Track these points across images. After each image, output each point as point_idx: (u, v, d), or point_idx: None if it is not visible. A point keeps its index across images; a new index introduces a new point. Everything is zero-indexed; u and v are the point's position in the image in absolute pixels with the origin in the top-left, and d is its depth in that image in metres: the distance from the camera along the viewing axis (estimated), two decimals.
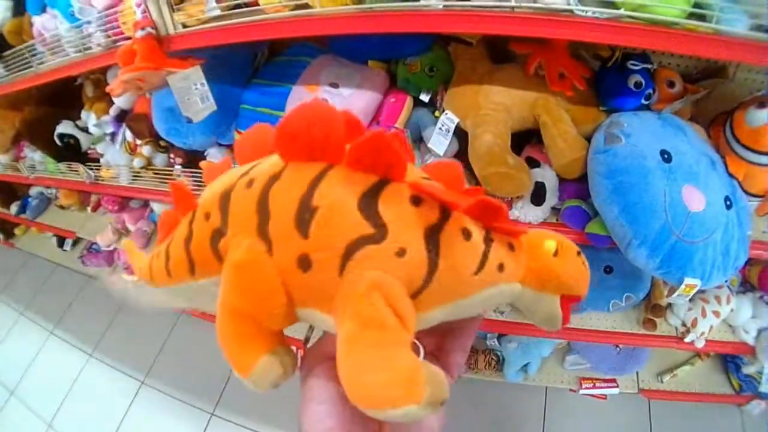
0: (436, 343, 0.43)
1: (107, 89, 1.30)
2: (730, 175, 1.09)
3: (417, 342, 0.35)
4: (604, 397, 1.90)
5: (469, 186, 0.44)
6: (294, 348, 0.42)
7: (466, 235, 0.36)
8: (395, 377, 0.30)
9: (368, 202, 0.34)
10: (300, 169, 0.37)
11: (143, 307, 2.19)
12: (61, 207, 2.83)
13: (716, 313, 1.45)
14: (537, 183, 1.16)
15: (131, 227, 2.42)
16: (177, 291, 0.47)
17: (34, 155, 2.34)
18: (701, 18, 0.76)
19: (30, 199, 3.02)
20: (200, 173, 1.55)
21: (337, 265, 0.34)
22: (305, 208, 0.35)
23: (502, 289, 0.38)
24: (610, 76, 1.12)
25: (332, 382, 0.37)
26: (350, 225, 0.34)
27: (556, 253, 0.40)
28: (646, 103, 1.12)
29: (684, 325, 1.51)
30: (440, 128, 1.21)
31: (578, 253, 0.41)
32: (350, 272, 0.34)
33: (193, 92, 1.20)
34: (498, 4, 0.81)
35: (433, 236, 0.35)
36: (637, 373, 1.91)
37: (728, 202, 1.04)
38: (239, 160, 0.45)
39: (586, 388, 1.88)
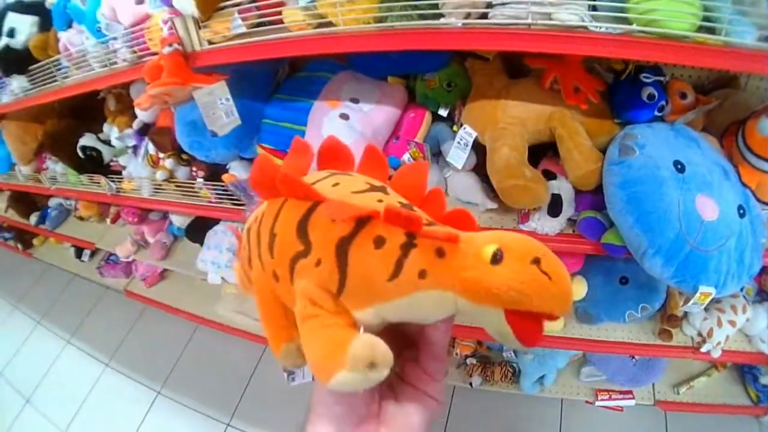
0: (414, 356, 0.46)
1: (134, 103, 1.34)
2: (744, 185, 1.11)
3: (357, 322, 0.40)
4: (621, 408, 1.89)
5: (431, 189, 0.47)
6: None
7: (378, 243, 0.38)
8: (324, 353, 0.37)
9: (302, 225, 0.42)
10: (271, 205, 0.47)
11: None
12: (81, 218, 2.87)
13: (732, 323, 1.44)
14: (553, 195, 1.18)
15: (150, 239, 2.45)
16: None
17: (56, 167, 2.38)
18: (711, 31, 0.78)
19: (49, 210, 3.06)
20: (222, 186, 1.59)
21: (288, 276, 0.43)
22: (272, 235, 0.45)
23: (429, 296, 0.38)
24: (623, 89, 1.14)
25: None
26: (291, 245, 0.42)
27: (497, 260, 0.35)
28: (659, 114, 1.13)
29: (700, 335, 1.51)
30: (458, 142, 1.24)
31: (534, 261, 0.35)
32: (294, 281, 0.43)
33: (218, 107, 1.23)
34: (515, 21, 0.84)
35: (342, 247, 0.39)
36: (653, 384, 1.90)
37: (741, 211, 1.06)
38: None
39: (602, 399, 1.88)
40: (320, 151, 0.52)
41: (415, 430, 0.42)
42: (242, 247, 0.53)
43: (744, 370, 1.87)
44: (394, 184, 0.47)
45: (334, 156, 0.52)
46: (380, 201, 0.42)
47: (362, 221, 0.39)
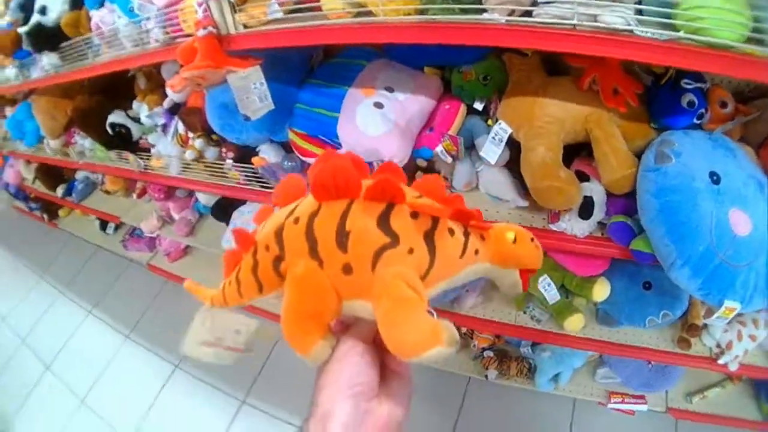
0: None
1: (167, 84, 1.35)
2: None
3: (431, 309, 0.47)
4: (632, 413, 1.88)
5: (449, 194, 0.61)
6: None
7: (451, 232, 0.51)
8: (424, 329, 0.44)
9: (383, 221, 0.49)
10: (332, 205, 0.51)
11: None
12: (107, 192, 2.92)
13: (753, 337, 1.42)
14: (585, 197, 1.17)
15: (176, 216, 2.48)
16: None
17: (84, 142, 2.41)
18: (759, 42, 0.76)
19: (76, 183, 3.13)
20: (251, 168, 1.60)
21: (369, 267, 0.48)
22: (342, 232, 0.49)
23: (478, 267, 0.55)
24: (663, 94, 1.12)
25: (363, 353, 0.51)
26: (374, 239, 0.48)
27: (514, 240, 0.55)
28: (698, 122, 1.11)
29: (719, 346, 1.49)
30: (493, 137, 1.23)
31: (531, 239, 0.57)
32: (380, 270, 0.48)
33: (252, 91, 1.23)
34: (560, 21, 0.83)
35: (429, 237, 0.50)
36: (666, 391, 1.89)
37: None
38: (277, 203, 0.59)
39: (615, 402, 1.87)
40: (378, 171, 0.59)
41: (407, 401, 0.52)
42: (259, 249, 0.56)
43: (759, 385, 1.85)
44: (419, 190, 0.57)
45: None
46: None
47: (435, 218, 0.51)
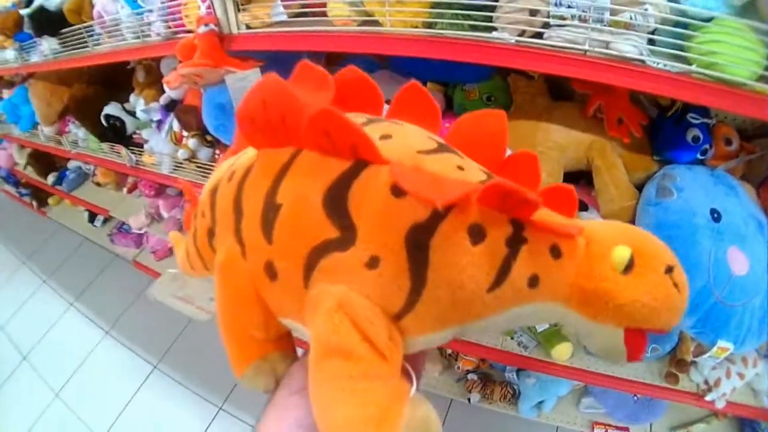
0: None
1: (164, 80, 1.32)
2: None
3: (410, 370, 0.29)
4: None
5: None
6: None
7: (475, 235, 0.26)
8: (363, 416, 0.26)
9: (336, 196, 0.28)
10: (269, 157, 0.32)
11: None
12: (98, 184, 2.90)
13: (741, 375, 1.41)
14: None
15: (165, 214, 2.45)
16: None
17: (78, 131, 2.39)
18: None
19: (68, 172, 3.10)
20: None
21: (300, 276, 0.29)
22: (270, 206, 0.30)
23: (536, 310, 0.29)
24: (668, 127, 1.11)
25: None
26: (313, 227, 0.28)
27: (629, 268, 0.28)
28: (701, 158, 1.10)
29: (706, 383, 1.47)
30: None
31: (668, 269, 0.29)
32: (314, 286, 0.29)
33: None
34: (570, 45, 0.81)
35: (419, 239, 0.26)
36: (651, 424, 1.87)
37: None
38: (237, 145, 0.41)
39: None
40: (337, 84, 0.36)
41: None
42: (198, 213, 0.40)
43: (744, 423, 1.83)
44: (454, 140, 0.34)
45: (357, 93, 0.36)
46: (460, 168, 0.29)
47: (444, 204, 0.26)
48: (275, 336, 0.36)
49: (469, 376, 2.04)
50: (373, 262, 0.27)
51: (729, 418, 1.88)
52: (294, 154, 0.30)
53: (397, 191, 0.27)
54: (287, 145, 0.31)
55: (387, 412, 0.26)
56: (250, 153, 0.35)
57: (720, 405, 1.44)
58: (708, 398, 1.44)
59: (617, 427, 1.85)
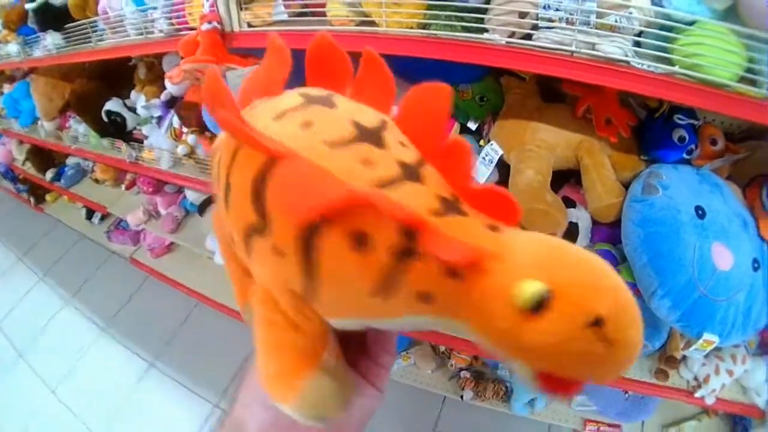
0: (361, 343, 0.38)
1: (166, 75, 1.34)
2: (762, 238, 1.10)
3: (329, 348, 0.31)
4: None
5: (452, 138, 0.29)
6: None
7: (357, 241, 0.25)
8: (275, 371, 0.30)
9: (258, 186, 0.27)
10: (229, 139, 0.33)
11: None
12: (96, 181, 2.90)
13: (730, 372, 1.43)
14: (571, 223, 1.18)
15: (163, 211, 2.47)
16: None
17: (78, 127, 2.41)
18: (752, 83, 0.77)
19: (66, 169, 3.10)
20: None
21: (244, 248, 0.31)
22: (227, 183, 0.31)
23: (438, 323, 0.27)
24: (655, 128, 1.14)
25: None
26: (244, 211, 0.29)
27: (539, 307, 0.23)
28: (687, 157, 1.13)
29: (696, 379, 1.49)
30: (483, 158, 1.24)
31: (595, 322, 0.22)
32: (251, 260, 0.31)
33: None
34: (558, 47, 0.84)
35: (306, 238, 0.26)
36: (642, 422, 1.89)
37: (756, 265, 1.05)
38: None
39: (591, 430, 1.87)
40: (308, 57, 0.37)
41: (355, 419, 0.35)
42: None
43: (735, 421, 1.85)
44: (404, 116, 0.33)
45: (324, 65, 0.36)
46: (366, 162, 0.27)
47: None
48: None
49: (462, 373, 2.06)
50: (278, 252, 0.28)
51: (720, 415, 1.90)
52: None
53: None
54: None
55: (295, 367, 0.29)
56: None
57: (710, 401, 1.46)
58: (698, 395, 1.46)
59: (609, 425, 1.87)
